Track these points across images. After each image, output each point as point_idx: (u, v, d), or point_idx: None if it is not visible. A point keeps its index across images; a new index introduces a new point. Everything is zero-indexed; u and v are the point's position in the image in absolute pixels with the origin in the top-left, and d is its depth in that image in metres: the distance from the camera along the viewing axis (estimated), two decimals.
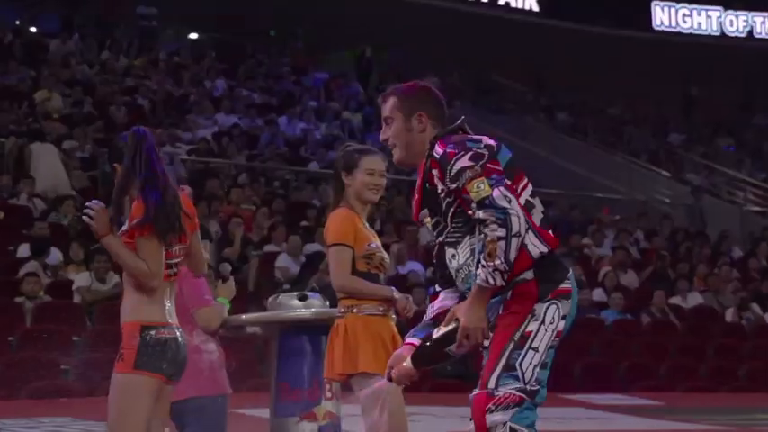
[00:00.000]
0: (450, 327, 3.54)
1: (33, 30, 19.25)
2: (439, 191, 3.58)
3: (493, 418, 3.45)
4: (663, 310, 12.74)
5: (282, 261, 11.48)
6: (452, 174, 3.51)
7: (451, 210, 3.60)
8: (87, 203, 4.24)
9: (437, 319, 3.65)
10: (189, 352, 4.55)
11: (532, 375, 3.49)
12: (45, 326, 9.38)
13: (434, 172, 3.57)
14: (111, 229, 4.18)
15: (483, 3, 24.46)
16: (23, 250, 10.76)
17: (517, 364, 3.47)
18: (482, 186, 3.45)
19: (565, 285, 3.56)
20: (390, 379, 3.68)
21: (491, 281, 3.44)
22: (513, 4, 24.74)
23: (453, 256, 3.65)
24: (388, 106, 3.75)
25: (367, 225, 4.87)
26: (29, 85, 15.89)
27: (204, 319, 4.92)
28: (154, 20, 20.62)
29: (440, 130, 3.69)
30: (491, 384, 3.48)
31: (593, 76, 23.54)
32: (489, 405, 3.46)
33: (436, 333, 3.57)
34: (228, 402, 5.02)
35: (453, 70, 22.60)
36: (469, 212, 3.51)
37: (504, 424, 3.45)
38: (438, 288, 3.77)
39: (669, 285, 13.61)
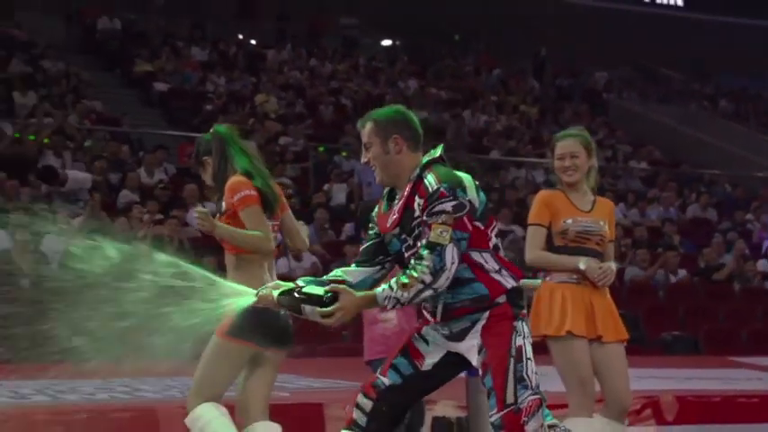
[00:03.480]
0: (320, 292, 3.48)
1: (253, 42, 20.08)
2: (415, 216, 3.54)
3: (531, 428, 3.47)
4: None
5: None
6: (433, 210, 3.46)
7: (421, 238, 3.54)
8: (194, 210, 4.18)
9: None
10: (367, 323, 5.00)
11: (536, 381, 3.52)
12: None
13: (419, 200, 3.51)
14: (214, 223, 4.09)
15: (646, 2, 24.19)
16: None
17: (525, 374, 3.49)
18: (445, 235, 3.42)
19: (524, 311, 3.63)
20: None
21: (385, 302, 3.46)
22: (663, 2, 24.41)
23: None
24: (366, 132, 3.64)
25: (575, 201, 4.67)
26: (250, 89, 16.73)
27: None
28: (355, 29, 21.25)
29: (420, 154, 3.62)
30: (510, 399, 3.47)
31: (754, 65, 22.95)
32: (523, 419, 3.46)
33: (308, 288, 3.52)
34: None
35: (622, 64, 22.44)
36: (418, 243, 3.50)
37: (542, 426, 3.50)
38: (354, 266, 3.72)
39: None
